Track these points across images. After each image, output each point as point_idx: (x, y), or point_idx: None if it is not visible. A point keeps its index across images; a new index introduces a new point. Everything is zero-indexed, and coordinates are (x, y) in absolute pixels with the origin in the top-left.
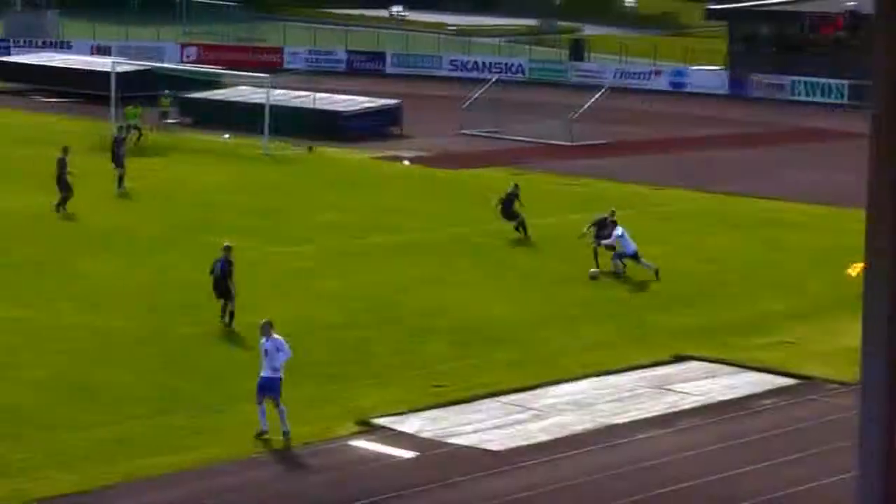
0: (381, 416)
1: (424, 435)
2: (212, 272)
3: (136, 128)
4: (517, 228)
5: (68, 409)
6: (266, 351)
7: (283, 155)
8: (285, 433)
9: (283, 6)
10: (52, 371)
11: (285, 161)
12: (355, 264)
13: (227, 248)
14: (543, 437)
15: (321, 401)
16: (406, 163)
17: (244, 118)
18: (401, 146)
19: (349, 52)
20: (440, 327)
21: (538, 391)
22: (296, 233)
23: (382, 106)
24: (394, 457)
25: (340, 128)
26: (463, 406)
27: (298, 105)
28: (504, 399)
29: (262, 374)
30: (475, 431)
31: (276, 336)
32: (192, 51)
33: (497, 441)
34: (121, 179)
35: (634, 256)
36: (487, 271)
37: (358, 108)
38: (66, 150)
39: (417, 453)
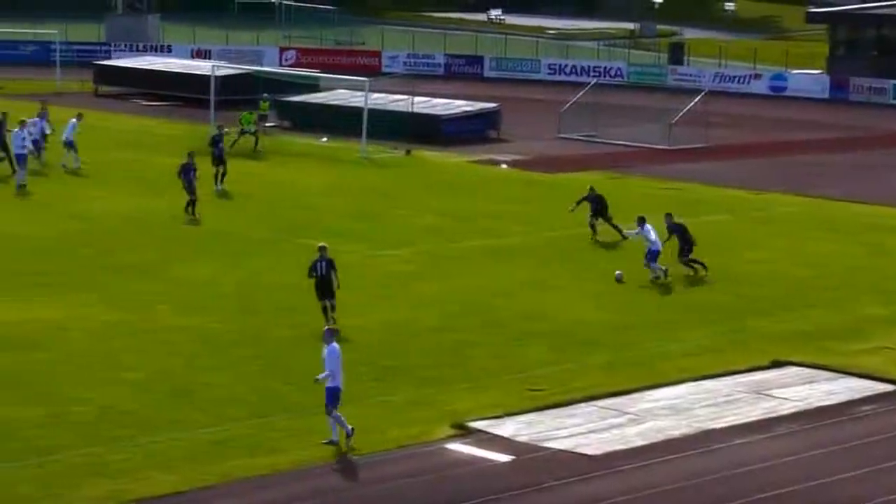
0: (478, 419)
1: (520, 439)
2: (312, 274)
3: (251, 133)
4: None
5: (167, 410)
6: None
7: (381, 158)
8: (333, 442)
9: (382, 10)
10: (151, 373)
11: (383, 164)
12: (453, 268)
13: (323, 248)
14: (640, 442)
15: (418, 404)
16: (504, 166)
17: (342, 121)
18: (499, 150)
19: (447, 55)
20: (537, 331)
21: (634, 395)
22: (394, 236)
23: (481, 110)
24: (489, 460)
25: (438, 131)
26: (559, 410)
27: (396, 108)
28: (600, 403)
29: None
30: (571, 435)
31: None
32: (291, 54)
33: (593, 445)
34: (216, 177)
35: (655, 256)
36: (585, 275)
37: (456, 111)
38: (191, 155)
39: (513, 457)
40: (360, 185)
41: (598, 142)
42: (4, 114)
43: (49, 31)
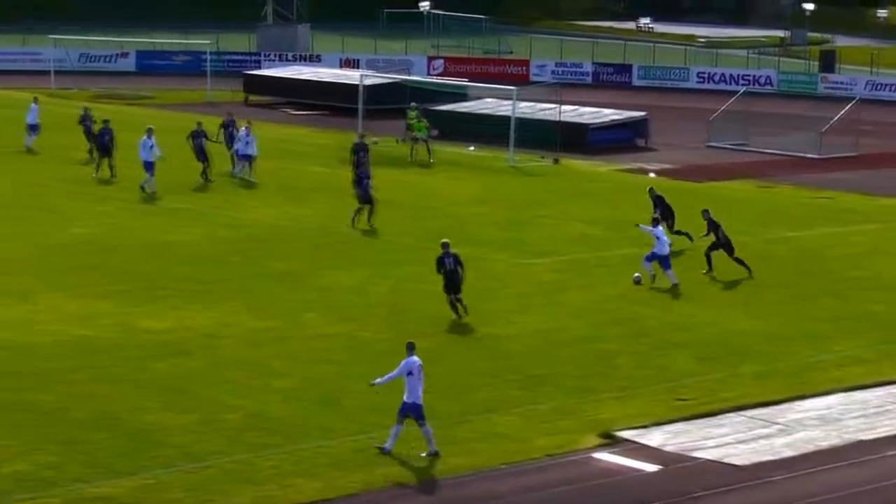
0: (625, 429)
1: (668, 448)
2: (440, 270)
3: (423, 140)
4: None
5: (315, 418)
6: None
7: (528, 167)
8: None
9: (530, 19)
10: (300, 380)
11: (531, 173)
12: (601, 277)
13: (446, 244)
14: (789, 453)
15: (565, 413)
16: (652, 175)
17: (490, 130)
18: (647, 158)
19: (596, 64)
20: (685, 341)
21: (783, 406)
22: (542, 245)
23: (629, 118)
24: (637, 470)
25: (586, 140)
26: (707, 420)
27: (544, 117)
28: (749, 413)
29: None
30: (719, 445)
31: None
32: (440, 63)
33: (741, 455)
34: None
35: (664, 260)
36: (732, 285)
37: (604, 120)
38: (199, 123)
39: (661, 467)
40: (507, 194)
41: (747, 150)
42: (199, 123)
43: (201, 42)
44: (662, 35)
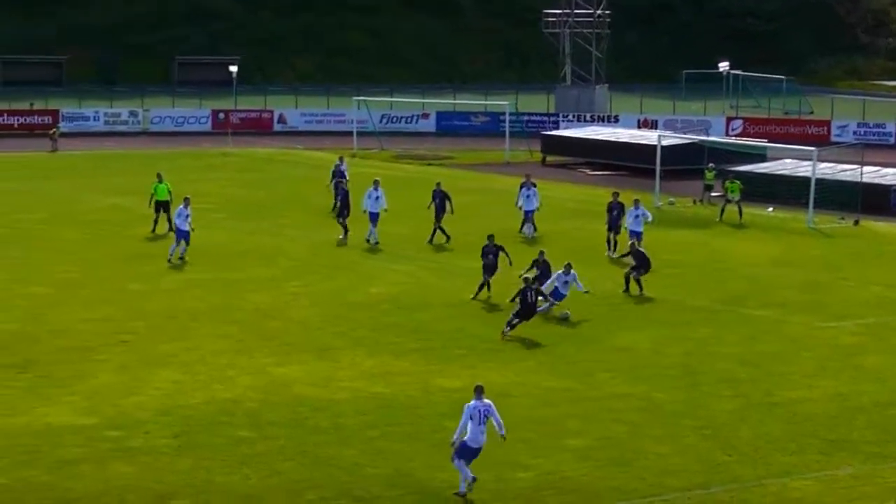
0: None
1: None
2: (484, 256)
3: (736, 202)
4: None
5: (609, 478)
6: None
7: (828, 229)
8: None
9: (832, 79)
10: (594, 440)
11: (831, 235)
12: None
13: (491, 237)
14: None
15: (862, 479)
16: None
17: (789, 191)
18: None
19: None
20: None
21: None
22: (841, 308)
23: None
24: None
25: (888, 201)
26: None
27: (845, 178)
28: None
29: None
30: None
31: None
32: (738, 124)
33: None
34: (610, 244)
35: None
36: None
37: None
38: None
39: None
40: (806, 256)
41: None
42: (438, 182)
43: (500, 102)
44: None
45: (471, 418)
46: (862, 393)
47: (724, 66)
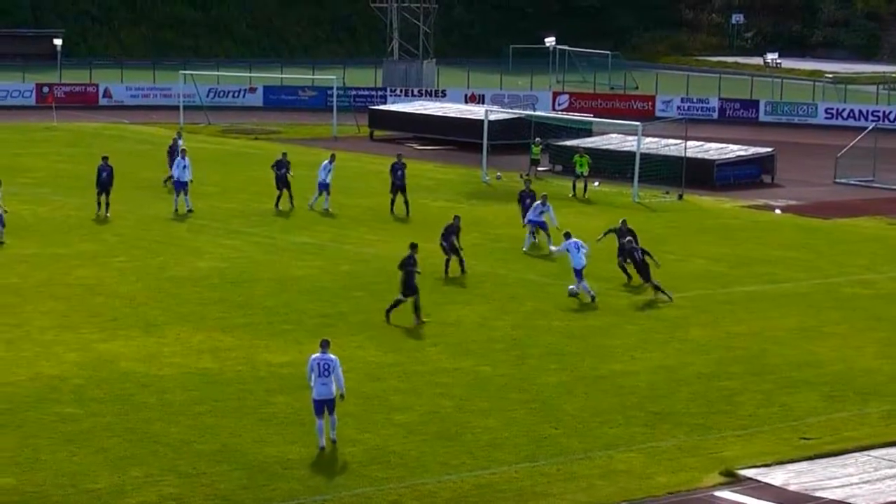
0: (747, 467)
1: (791, 488)
2: (401, 267)
3: (584, 177)
4: None
5: (436, 452)
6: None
7: (653, 203)
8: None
9: (656, 54)
10: (421, 414)
11: (655, 209)
12: (724, 313)
13: (413, 247)
14: None
15: (687, 451)
16: (778, 212)
17: (614, 166)
18: (773, 195)
19: (722, 99)
20: (810, 379)
21: None
22: (666, 281)
23: (755, 154)
24: None
25: (712, 176)
26: (831, 459)
27: (670, 153)
28: (875, 453)
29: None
30: (843, 486)
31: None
32: (564, 99)
33: (866, 496)
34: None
35: (578, 273)
36: (860, 323)
37: (730, 156)
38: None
39: None
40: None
41: (876, 187)
42: (284, 153)
43: (327, 77)
44: (790, 71)
45: (312, 370)
46: (686, 365)
47: (550, 41)
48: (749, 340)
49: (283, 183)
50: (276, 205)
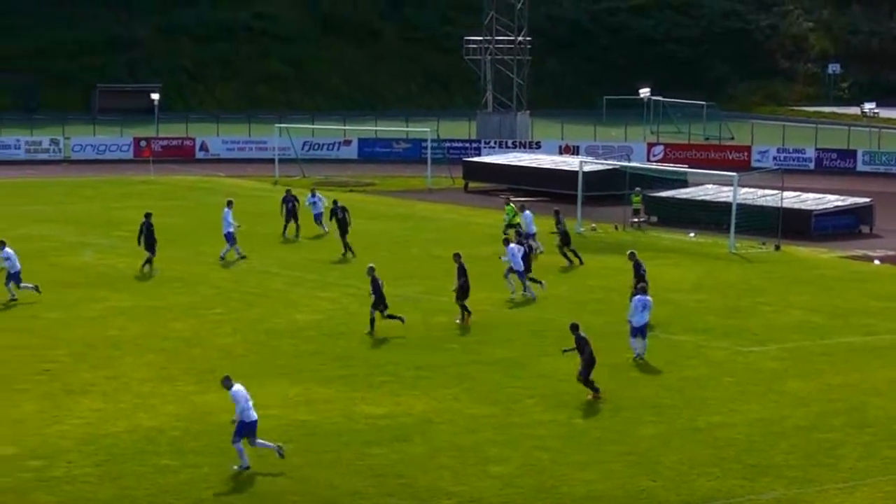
0: None
1: None
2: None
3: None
4: None
5: None
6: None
7: (749, 254)
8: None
9: (752, 105)
10: (517, 467)
11: (752, 260)
12: (823, 365)
13: (372, 269)
14: None
15: (787, 503)
16: (877, 262)
17: (710, 217)
18: (871, 245)
19: (819, 149)
20: None
21: None
22: (763, 332)
23: (853, 204)
24: None
25: (809, 226)
26: None
27: (766, 203)
28: None
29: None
30: None
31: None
32: (659, 149)
33: None
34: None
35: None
36: None
37: (827, 206)
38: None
39: None
40: (727, 281)
41: None
42: (288, 189)
43: (421, 129)
44: (888, 120)
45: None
46: (784, 417)
47: (644, 91)
48: (848, 392)
49: (291, 215)
50: (283, 233)
